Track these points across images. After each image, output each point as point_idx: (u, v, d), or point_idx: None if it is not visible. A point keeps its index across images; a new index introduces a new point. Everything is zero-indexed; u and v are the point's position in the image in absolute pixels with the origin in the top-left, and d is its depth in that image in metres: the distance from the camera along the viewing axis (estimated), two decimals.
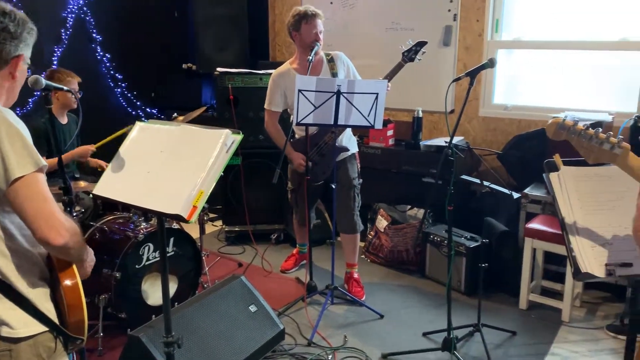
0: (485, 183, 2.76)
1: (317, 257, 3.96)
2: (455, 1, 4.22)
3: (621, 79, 3.79)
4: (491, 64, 2.69)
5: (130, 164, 1.84)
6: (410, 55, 3.18)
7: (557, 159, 1.50)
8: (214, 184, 1.67)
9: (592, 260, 1.41)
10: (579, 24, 3.85)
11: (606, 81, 3.84)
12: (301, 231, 3.85)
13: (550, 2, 3.94)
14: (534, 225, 3.30)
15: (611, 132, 1.32)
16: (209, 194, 1.64)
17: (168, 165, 1.74)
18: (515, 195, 2.67)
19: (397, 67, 3.20)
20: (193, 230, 3.86)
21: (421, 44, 3.18)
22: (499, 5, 4.12)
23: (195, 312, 2.56)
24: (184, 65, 5.08)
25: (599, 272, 1.40)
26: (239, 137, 1.71)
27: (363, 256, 4.17)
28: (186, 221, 1.60)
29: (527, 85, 4.16)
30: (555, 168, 1.51)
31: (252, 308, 2.74)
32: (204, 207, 3.66)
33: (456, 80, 2.72)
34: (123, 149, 1.90)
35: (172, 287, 3.20)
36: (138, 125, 1.97)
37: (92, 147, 3.37)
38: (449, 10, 4.25)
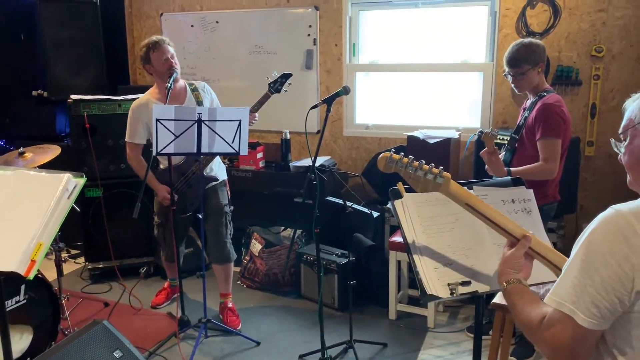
0: (348, 203, 2.86)
1: (189, 289, 3.85)
2: (314, 26, 4.36)
3: (466, 98, 4.15)
4: (345, 91, 2.80)
5: None
6: (276, 86, 3.24)
7: (399, 186, 1.58)
8: (55, 233, 1.55)
9: (435, 281, 1.51)
10: (428, 48, 4.16)
11: (454, 100, 4.19)
12: (170, 267, 3.72)
13: (401, 28, 4.23)
14: (397, 238, 3.48)
15: (433, 164, 1.42)
16: (49, 245, 1.51)
17: (2, 216, 1.58)
18: (375, 214, 2.79)
19: (264, 98, 3.25)
20: (50, 272, 3.55)
21: (286, 76, 3.25)
22: (355, 30, 4.33)
23: None
24: (34, 92, 4.68)
25: (443, 293, 1.50)
26: (82, 181, 1.61)
27: (239, 282, 4.11)
28: (24, 278, 1.47)
29: (385, 106, 4.40)
30: (399, 195, 1.60)
31: (117, 354, 2.55)
32: (59, 246, 3.43)
33: (313, 107, 2.79)
34: None
35: (27, 339, 2.92)
36: None
37: None
38: (309, 35, 4.38)
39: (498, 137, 3.34)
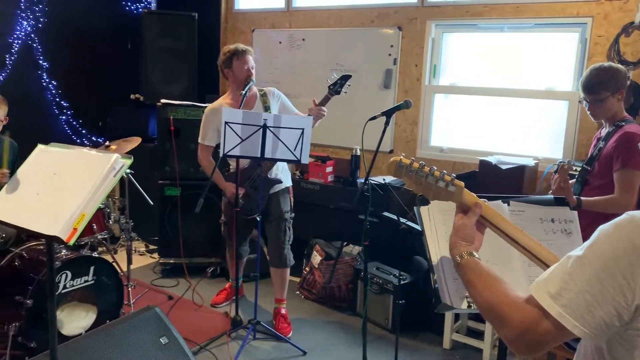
0: (402, 220, 2.81)
1: (250, 292, 3.94)
2: (396, 46, 4.38)
3: (548, 127, 3.95)
4: (406, 105, 2.79)
5: (24, 186, 1.84)
6: (336, 88, 3.27)
7: None
8: (98, 206, 1.68)
9: (453, 292, 1.45)
10: (511, 72, 4.02)
11: (534, 128, 4.00)
12: (233, 265, 3.84)
13: (484, 52, 4.13)
14: None
15: (445, 171, 1.36)
16: (91, 216, 1.64)
17: (57, 187, 1.74)
18: None
19: (324, 100, 3.32)
20: (124, 261, 3.80)
21: (346, 78, 3.26)
22: (437, 52, 4.29)
23: (101, 341, 2.50)
24: (132, 96, 5.10)
25: (459, 304, 1.43)
26: (128, 162, 1.73)
27: (297, 292, 4.15)
28: (65, 243, 1.60)
29: (461, 129, 4.29)
30: (426, 202, 1.56)
31: (163, 340, 2.68)
32: (131, 236, 3.66)
33: (372, 119, 2.79)
34: (20, 171, 1.90)
35: (91, 318, 3.14)
36: (39, 147, 1.98)
37: (4, 171, 3.27)
38: (390, 55, 4.41)
39: (573, 169, 3.15)
